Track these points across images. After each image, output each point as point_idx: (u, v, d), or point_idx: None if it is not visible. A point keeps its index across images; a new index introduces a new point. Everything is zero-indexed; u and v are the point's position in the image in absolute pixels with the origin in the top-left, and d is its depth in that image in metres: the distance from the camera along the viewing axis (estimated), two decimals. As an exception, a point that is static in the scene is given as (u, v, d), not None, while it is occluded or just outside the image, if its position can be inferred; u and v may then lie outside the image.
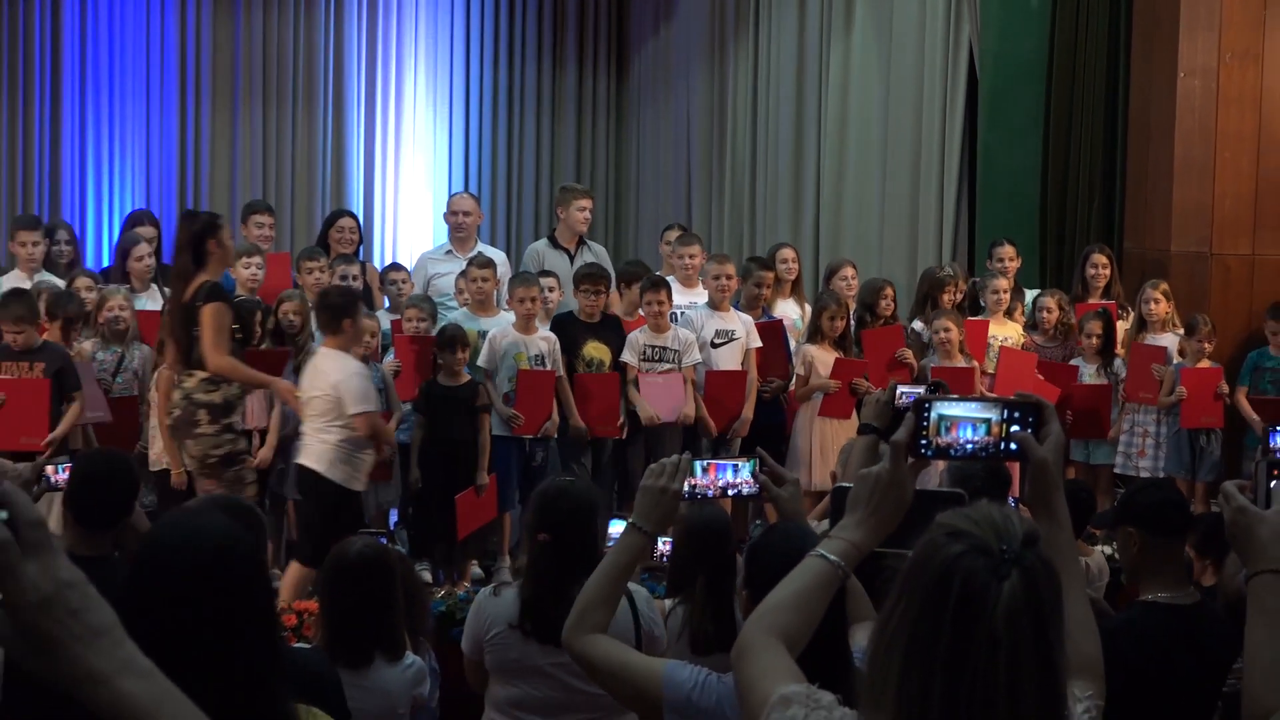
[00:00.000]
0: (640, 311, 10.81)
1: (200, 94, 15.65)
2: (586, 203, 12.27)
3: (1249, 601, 3.60)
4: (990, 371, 10.84)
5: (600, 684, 3.95)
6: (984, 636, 2.35)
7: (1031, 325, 11.35)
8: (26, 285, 10.36)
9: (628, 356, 10.53)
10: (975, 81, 13.32)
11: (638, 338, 10.56)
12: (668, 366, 10.54)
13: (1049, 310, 11.16)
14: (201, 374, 8.92)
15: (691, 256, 11.43)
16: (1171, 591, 4.95)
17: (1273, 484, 3.90)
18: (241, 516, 3.73)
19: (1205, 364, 10.72)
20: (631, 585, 5.52)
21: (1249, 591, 3.60)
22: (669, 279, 11.05)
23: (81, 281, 10.79)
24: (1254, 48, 11.66)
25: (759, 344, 10.83)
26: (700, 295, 11.15)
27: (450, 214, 12.26)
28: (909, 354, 10.74)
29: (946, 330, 10.66)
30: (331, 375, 9.00)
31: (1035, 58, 12.93)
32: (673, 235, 12.23)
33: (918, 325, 11.27)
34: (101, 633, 1.72)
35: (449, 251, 12.02)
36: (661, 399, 10.51)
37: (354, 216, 12.99)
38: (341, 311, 9.14)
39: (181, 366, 9.07)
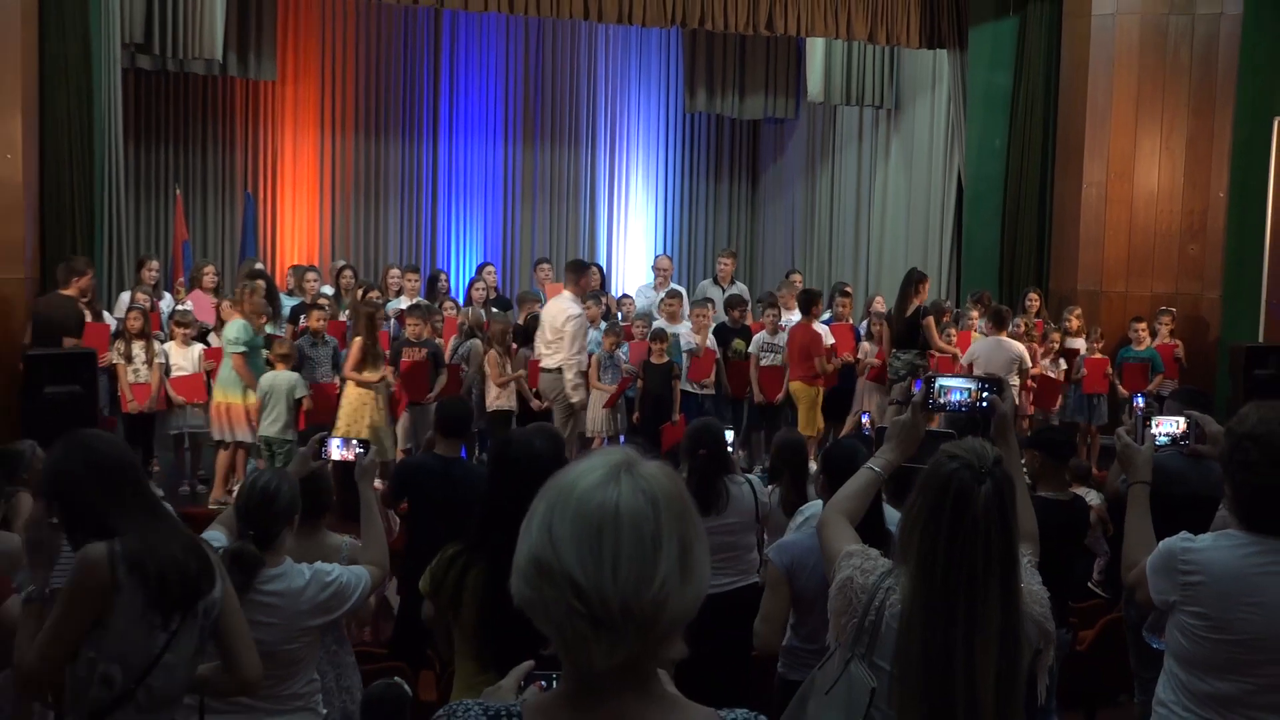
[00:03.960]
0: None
1: (515, 196, 15.83)
2: (728, 260, 12.21)
3: (1128, 499, 3.52)
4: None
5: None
6: (970, 518, 2.36)
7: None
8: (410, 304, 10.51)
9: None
10: (961, 189, 13.08)
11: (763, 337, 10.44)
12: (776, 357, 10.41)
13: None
14: (911, 350, 9.77)
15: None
16: (1056, 492, 4.90)
17: (1146, 430, 3.80)
18: (549, 436, 3.71)
19: (1098, 356, 10.55)
20: (750, 477, 5.48)
21: (1128, 494, 3.52)
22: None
23: (446, 304, 10.99)
24: (1128, 170, 11.46)
25: (833, 340, 10.62)
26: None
27: (655, 267, 12.27)
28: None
29: (950, 338, 10.45)
30: None
31: (997, 175, 12.62)
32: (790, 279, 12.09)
33: None
34: None
35: (655, 287, 12.00)
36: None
37: (599, 266, 13.05)
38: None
39: (886, 346, 9.97)
